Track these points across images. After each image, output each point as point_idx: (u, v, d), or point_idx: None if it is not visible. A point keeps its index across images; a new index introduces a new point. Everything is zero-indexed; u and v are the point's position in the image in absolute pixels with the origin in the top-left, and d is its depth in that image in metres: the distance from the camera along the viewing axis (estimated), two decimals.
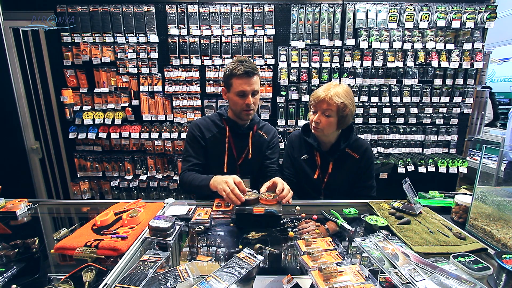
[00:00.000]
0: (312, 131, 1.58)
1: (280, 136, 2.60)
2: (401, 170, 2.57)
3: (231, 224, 1.25)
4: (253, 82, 1.53)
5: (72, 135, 2.58)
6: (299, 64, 2.52)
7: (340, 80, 2.54)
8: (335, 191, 1.65)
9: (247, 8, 2.45)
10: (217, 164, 1.67)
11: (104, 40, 2.50)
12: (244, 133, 1.69)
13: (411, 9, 2.45)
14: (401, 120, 2.66)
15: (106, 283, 0.82)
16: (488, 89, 2.77)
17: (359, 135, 1.89)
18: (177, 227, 1.14)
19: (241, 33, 2.50)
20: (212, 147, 1.66)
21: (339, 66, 2.54)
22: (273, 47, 2.53)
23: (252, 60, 1.58)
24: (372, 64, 2.53)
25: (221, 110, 1.71)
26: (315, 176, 1.63)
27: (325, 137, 1.60)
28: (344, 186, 1.66)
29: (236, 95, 1.54)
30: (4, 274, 0.87)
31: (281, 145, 2.59)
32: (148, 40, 2.51)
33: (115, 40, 2.50)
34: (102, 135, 2.57)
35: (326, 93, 1.46)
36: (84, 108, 2.58)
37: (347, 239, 1.15)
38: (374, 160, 1.75)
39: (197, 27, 2.48)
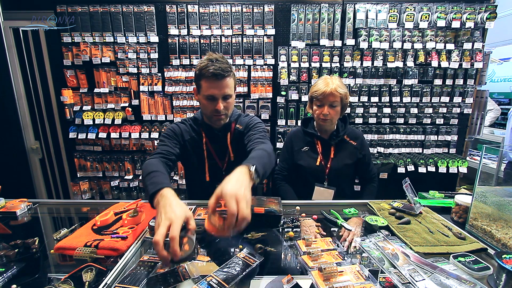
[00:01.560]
0: (321, 123, 1.69)
1: (280, 136, 2.61)
2: (401, 170, 2.57)
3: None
4: (223, 85, 1.34)
5: (72, 135, 2.58)
6: (299, 64, 2.52)
7: None
8: (339, 176, 1.72)
9: (247, 8, 2.45)
10: (200, 173, 1.53)
11: (104, 40, 2.50)
12: (221, 136, 1.52)
13: (411, 9, 2.45)
14: (401, 120, 2.66)
15: (106, 283, 0.82)
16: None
17: None
18: None
19: (241, 33, 2.50)
20: (192, 154, 1.51)
21: (339, 66, 2.54)
22: (273, 47, 2.53)
23: (226, 59, 1.38)
24: (372, 64, 2.53)
25: (197, 114, 1.57)
26: (317, 163, 1.71)
27: (329, 126, 1.70)
28: (346, 171, 1.75)
29: (205, 99, 1.38)
30: (4, 274, 0.87)
31: (281, 145, 2.59)
32: (148, 40, 2.51)
33: (115, 40, 2.50)
34: (102, 135, 2.57)
35: (329, 86, 1.58)
36: (84, 108, 2.58)
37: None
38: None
39: (197, 27, 2.48)
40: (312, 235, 1.10)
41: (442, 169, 2.58)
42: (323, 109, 1.61)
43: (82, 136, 2.57)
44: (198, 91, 1.42)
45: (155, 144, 2.65)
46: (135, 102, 2.59)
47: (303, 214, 1.34)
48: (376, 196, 1.70)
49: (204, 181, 1.51)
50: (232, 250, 1.06)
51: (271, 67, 2.57)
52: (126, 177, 2.69)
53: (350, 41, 2.49)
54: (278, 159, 1.94)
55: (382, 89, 2.59)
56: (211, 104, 1.38)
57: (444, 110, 2.64)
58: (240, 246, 1.05)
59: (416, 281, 0.83)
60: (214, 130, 1.52)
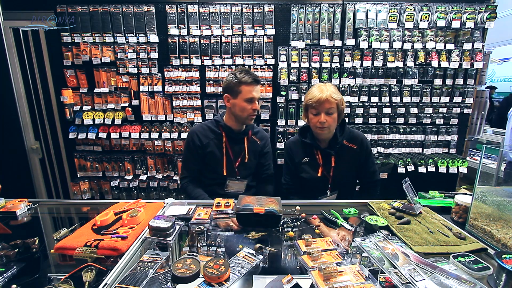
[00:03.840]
0: (318, 132, 1.63)
1: (280, 136, 2.61)
2: (401, 170, 2.56)
3: (231, 224, 1.25)
4: (259, 89, 1.72)
5: (72, 135, 2.58)
6: (299, 64, 2.52)
7: (340, 80, 2.54)
8: (342, 184, 1.71)
9: (247, 8, 2.45)
10: (217, 167, 1.77)
11: (104, 40, 2.50)
12: (239, 138, 1.81)
13: (411, 9, 2.45)
14: (401, 120, 2.66)
15: (106, 283, 0.82)
16: (494, 89, 2.77)
17: None
18: (177, 227, 1.14)
19: (241, 33, 2.50)
20: (210, 152, 1.76)
21: (339, 66, 2.53)
22: (273, 47, 2.53)
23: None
24: (372, 64, 2.53)
25: (217, 117, 1.83)
26: (319, 174, 1.68)
27: (326, 134, 1.65)
28: (349, 178, 1.74)
29: (244, 101, 1.67)
30: (4, 274, 0.87)
31: (281, 145, 2.60)
32: (148, 40, 2.51)
33: (115, 40, 2.50)
34: (102, 135, 2.57)
35: (324, 93, 1.55)
36: (84, 108, 2.57)
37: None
38: (371, 147, 1.87)
39: (197, 27, 2.48)
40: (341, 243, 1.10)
41: (442, 169, 2.58)
42: (320, 117, 1.56)
43: (82, 136, 2.57)
44: (235, 97, 1.69)
45: (155, 144, 2.64)
46: (135, 102, 2.59)
47: (303, 214, 1.34)
48: (376, 196, 1.70)
49: (222, 176, 1.76)
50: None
51: (271, 67, 2.57)
52: (126, 177, 2.69)
53: (350, 41, 2.49)
54: (281, 162, 2.00)
55: (382, 89, 2.59)
56: (249, 105, 1.67)
57: (444, 110, 2.64)
58: (240, 246, 1.05)
59: (416, 281, 0.83)
60: (235, 132, 1.78)
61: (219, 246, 1.10)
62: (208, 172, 1.81)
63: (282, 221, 1.23)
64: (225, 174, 1.76)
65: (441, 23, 2.44)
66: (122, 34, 2.49)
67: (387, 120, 2.65)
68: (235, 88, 1.67)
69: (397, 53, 2.50)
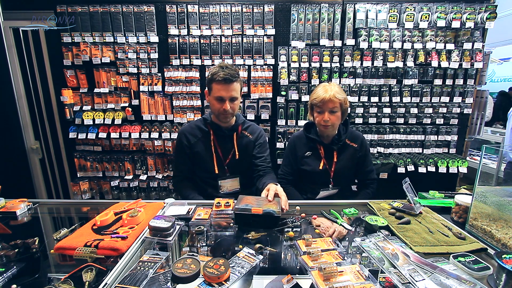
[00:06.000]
0: (322, 129, 1.71)
1: (280, 136, 2.60)
2: (401, 170, 2.56)
3: (231, 224, 1.25)
4: (231, 88, 1.58)
5: (72, 135, 2.58)
6: (299, 64, 2.52)
7: (340, 80, 2.54)
8: (343, 178, 1.77)
9: (247, 8, 2.45)
10: (207, 166, 1.74)
11: (104, 40, 2.50)
12: (228, 135, 1.75)
13: (411, 9, 2.45)
14: (401, 120, 2.66)
15: (106, 283, 0.82)
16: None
17: None
18: (177, 227, 1.14)
19: (241, 33, 2.50)
20: (199, 151, 1.74)
21: (339, 66, 2.53)
22: (273, 47, 2.53)
23: (235, 67, 1.64)
24: (372, 64, 2.53)
25: (206, 115, 1.80)
26: (320, 167, 1.73)
27: (330, 131, 1.72)
28: (349, 174, 1.80)
29: (214, 99, 1.61)
30: (4, 274, 0.87)
31: (281, 145, 2.60)
32: (148, 40, 2.51)
33: (115, 40, 2.50)
34: (102, 135, 2.57)
35: (328, 93, 1.60)
36: (84, 108, 2.57)
37: (347, 239, 1.16)
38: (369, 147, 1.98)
39: (197, 27, 2.48)
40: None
41: (442, 169, 2.58)
42: (324, 115, 1.64)
43: (82, 136, 2.57)
44: (209, 93, 1.65)
45: (155, 144, 2.65)
46: (135, 102, 2.59)
47: (303, 214, 1.34)
48: (376, 196, 1.71)
49: (212, 174, 1.73)
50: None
51: (271, 67, 2.56)
52: (126, 177, 2.69)
53: (350, 41, 2.49)
54: (281, 163, 2.00)
55: (382, 89, 2.59)
56: (219, 104, 1.60)
57: (444, 110, 2.64)
58: (240, 246, 1.05)
59: (416, 281, 0.83)
60: (222, 129, 1.72)
61: (219, 246, 1.10)
62: (200, 171, 1.79)
63: (282, 221, 1.23)
64: (216, 172, 1.72)
65: (441, 23, 2.44)
66: (122, 34, 2.49)
67: (387, 120, 2.65)
68: (209, 85, 1.62)
69: (397, 53, 2.50)
